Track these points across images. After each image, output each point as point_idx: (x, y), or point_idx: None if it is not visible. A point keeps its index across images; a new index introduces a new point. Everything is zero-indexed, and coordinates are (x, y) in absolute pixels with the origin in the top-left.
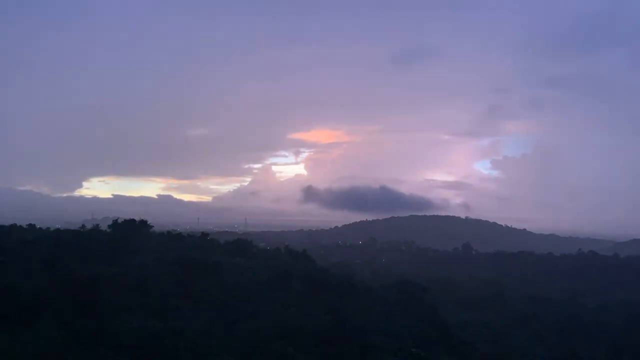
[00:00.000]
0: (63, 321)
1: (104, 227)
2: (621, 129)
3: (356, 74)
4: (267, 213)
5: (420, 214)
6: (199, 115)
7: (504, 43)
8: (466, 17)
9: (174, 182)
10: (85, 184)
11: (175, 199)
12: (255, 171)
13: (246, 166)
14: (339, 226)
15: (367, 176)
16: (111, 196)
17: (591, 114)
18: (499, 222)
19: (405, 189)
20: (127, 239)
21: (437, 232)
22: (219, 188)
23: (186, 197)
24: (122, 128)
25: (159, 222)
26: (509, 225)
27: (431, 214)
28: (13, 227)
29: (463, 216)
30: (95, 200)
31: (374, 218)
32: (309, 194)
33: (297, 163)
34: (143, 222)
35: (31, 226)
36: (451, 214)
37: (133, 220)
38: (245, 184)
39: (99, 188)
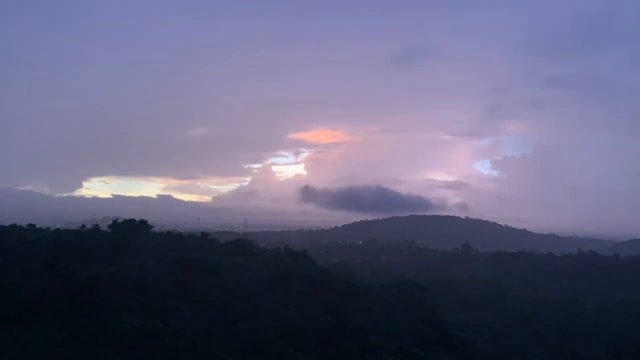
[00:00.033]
0: (63, 321)
1: (104, 227)
2: (621, 129)
3: (356, 74)
4: (267, 213)
5: (420, 214)
6: (199, 115)
7: (504, 43)
8: (466, 17)
9: (174, 182)
10: (85, 184)
11: (175, 199)
12: (255, 171)
13: (246, 166)
14: (339, 226)
15: (367, 176)
16: (111, 196)
17: (591, 114)
18: (499, 222)
19: (405, 189)
20: (127, 239)
21: (437, 232)
22: (219, 188)
23: (186, 197)
24: (122, 128)
25: (159, 222)
26: (509, 225)
27: (431, 214)
28: (13, 227)
29: (463, 216)
30: (95, 200)
31: (374, 218)
32: (308, 194)
33: (297, 163)
34: (143, 222)
35: (31, 226)
36: (451, 214)
37: (133, 220)
38: (245, 184)
39: (99, 188)
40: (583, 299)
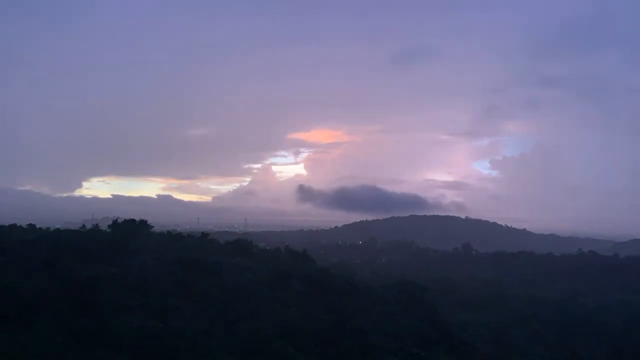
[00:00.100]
0: (63, 321)
1: (104, 227)
2: (621, 129)
3: (356, 74)
4: (267, 213)
5: (420, 214)
6: (199, 115)
7: (504, 43)
8: (466, 17)
9: (174, 182)
10: (85, 184)
11: (175, 199)
12: (255, 171)
13: (246, 166)
14: (339, 226)
15: (367, 176)
16: (111, 196)
17: (590, 113)
18: (499, 222)
19: (405, 188)
20: (127, 239)
21: (437, 232)
22: (219, 188)
23: (186, 197)
24: (122, 128)
25: (159, 222)
26: (509, 225)
27: (431, 214)
28: (13, 227)
29: (463, 216)
30: (95, 200)
31: (374, 218)
32: (308, 193)
33: (296, 163)
34: (143, 222)
35: (31, 226)
36: (451, 214)
37: (133, 220)
38: (245, 184)
39: (98, 188)
40: (583, 299)
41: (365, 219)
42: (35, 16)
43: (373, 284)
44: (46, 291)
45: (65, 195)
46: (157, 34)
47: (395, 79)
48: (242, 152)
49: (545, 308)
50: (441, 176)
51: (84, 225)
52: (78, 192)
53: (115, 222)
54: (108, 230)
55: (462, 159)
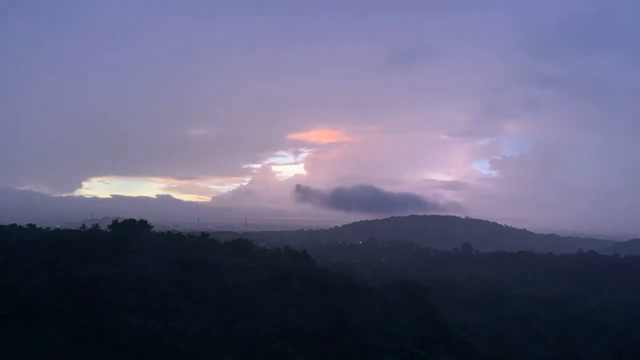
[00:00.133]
0: (63, 321)
1: (104, 227)
2: (621, 129)
3: (356, 74)
4: (267, 213)
5: (420, 214)
6: (199, 115)
7: (504, 43)
8: (465, 17)
9: (174, 182)
10: (85, 184)
11: (175, 199)
12: (255, 171)
13: (246, 166)
14: (339, 226)
15: (366, 176)
16: (111, 196)
17: (590, 113)
18: (499, 222)
19: (404, 189)
20: (127, 239)
21: (437, 232)
22: (218, 188)
23: (186, 197)
24: (122, 128)
25: (159, 222)
26: (509, 225)
27: (431, 214)
28: (13, 227)
29: (463, 216)
30: (95, 200)
31: (374, 218)
32: (307, 193)
33: (296, 163)
34: (143, 222)
35: (31, 226)
36: (451, 214)
37: (133, 221)
38: (245, 184)
39: (98, 188)
40: (583, 299)
41: (365, 219)
42: (35, 16)
43: (373, 284)
44: (46, 291)
45: (65, 195)
46: (157, 34)
47: (394, 79)
48: (241, 152)
49: (545, 308)
50: (441, 176)
51: (84, 225)
52: (78, 192)
53: (115, 222)
54: (108, 230)
55: (461, 159)
